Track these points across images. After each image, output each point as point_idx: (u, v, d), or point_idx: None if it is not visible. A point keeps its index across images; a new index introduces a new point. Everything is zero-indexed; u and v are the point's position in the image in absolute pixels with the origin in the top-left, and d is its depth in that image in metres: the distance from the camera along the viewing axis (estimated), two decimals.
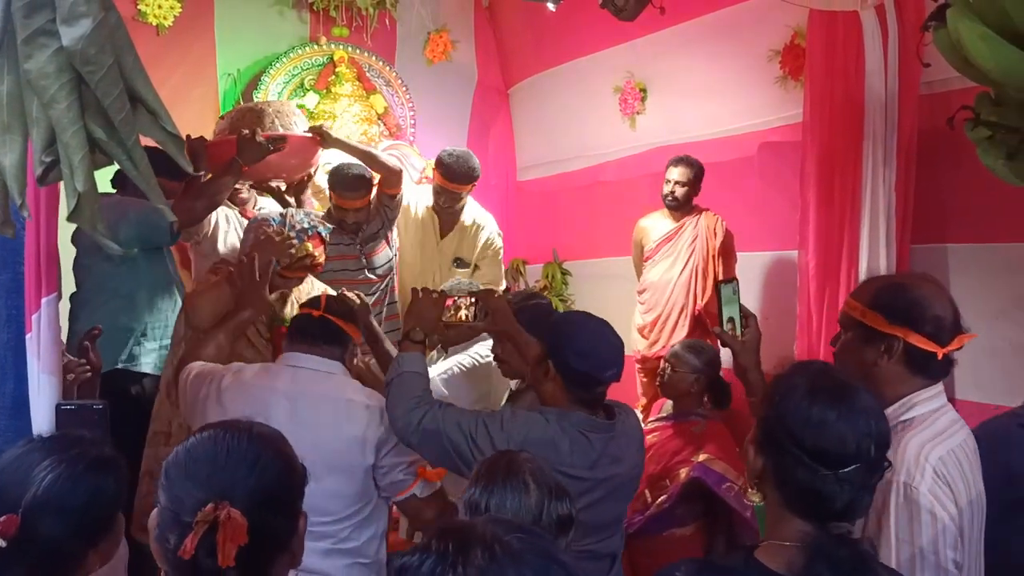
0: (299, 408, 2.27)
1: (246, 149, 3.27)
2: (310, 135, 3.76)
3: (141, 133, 1.06)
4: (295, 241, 2.93)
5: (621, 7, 3.84)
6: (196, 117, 4.91)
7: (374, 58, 5.36)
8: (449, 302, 2.54)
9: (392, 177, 4.00)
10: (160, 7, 4.71)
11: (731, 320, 2.06)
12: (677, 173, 4.40)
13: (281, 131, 3.58)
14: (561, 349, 2.07)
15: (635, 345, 4.64)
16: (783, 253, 4.54)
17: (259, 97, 4.97)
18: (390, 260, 4.20)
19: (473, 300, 2.56)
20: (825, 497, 1.27)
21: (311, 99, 5.06)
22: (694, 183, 4.41)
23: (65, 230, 2.25)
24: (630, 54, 5.17)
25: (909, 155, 3.83)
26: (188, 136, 3.24)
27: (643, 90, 5.24)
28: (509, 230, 6.38)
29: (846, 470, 1.26)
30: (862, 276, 3.85)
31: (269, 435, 1.33)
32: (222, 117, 3.70)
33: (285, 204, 4.03)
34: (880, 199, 3.82)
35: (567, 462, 1.99)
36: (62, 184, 1.08)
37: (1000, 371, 3.35)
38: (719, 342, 2.22)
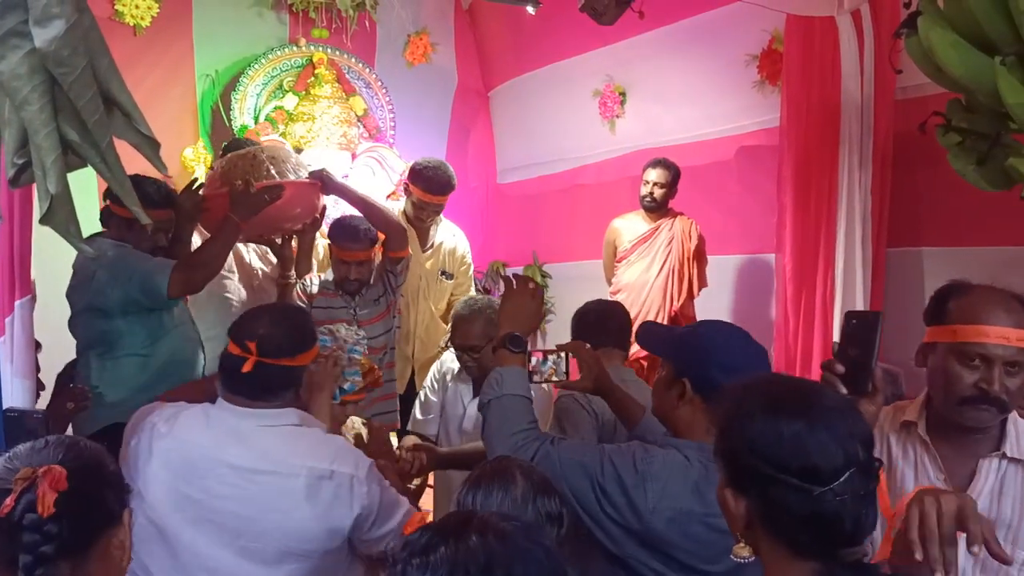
0: (247, 482, 1.80)
1: (240, 203, 2.94)
2: (310, 180, 3.37)
3: (116, 135, 1.05)
4: (352, 356, 2.42)
5: (601, 11, 3.85)
6: (174, 118, 4.89)
7: (354, 60, 5.35)
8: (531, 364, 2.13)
9: (397, 237, 3.52)
10: (137, 7, 4.67)
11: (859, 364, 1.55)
12: (655, 175, 4.42)
13: (277, 179, 3.19)
14: (700, 364, 1.71)
15: None
16: (760, 256, 4.57)
17: (237, 99, 4.94)
18: (389, 331, 3.68)
19: (562, 355, 2.17)
20: (830, 520, 1.09)
21: (290, 101, 5.04)
22: (671, 185, 4.43)
23: (38, 232, 2.23)
24: (610, 58, 5.19)
25: (885, 159, 3.87)
26: (184, 190, 3.12)
27: (622, 94, 5.26)
28: (489, 233, 6.39)
29: (841, 480, 1.09)
30: (838, 279, 3.89)
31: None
32: (211, 168, 3.32)
33: (284, 261, 3.62)
34: (856, 202, 3.87)
35: (716, 511, 1.54)
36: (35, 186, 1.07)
37: None
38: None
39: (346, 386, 2.34)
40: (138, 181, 2.66)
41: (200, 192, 3.14)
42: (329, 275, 3.64)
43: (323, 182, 3.38)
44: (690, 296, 4.50)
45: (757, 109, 4.50)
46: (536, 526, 1.02)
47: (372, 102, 5.38)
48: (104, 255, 2.68)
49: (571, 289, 5.65)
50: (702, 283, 4.53)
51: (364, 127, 5.27)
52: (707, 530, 1.62)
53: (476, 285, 5.89)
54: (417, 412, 3.53)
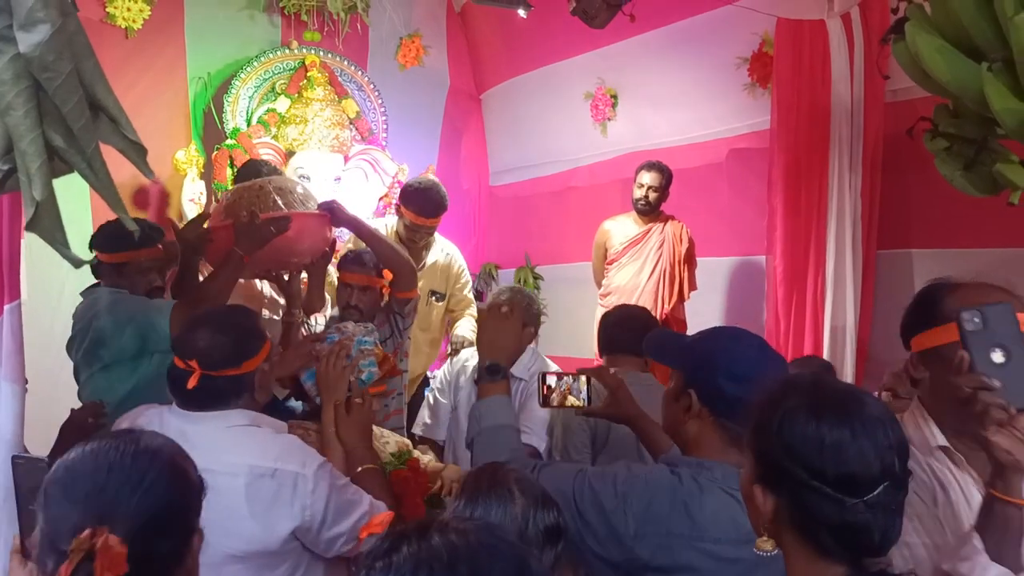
0: None
1: (244, 236, 2.76)
2: (318, 212, 3.19)
3: (102, 141, 1.05)
4: (363, 348, 2.32)
5: (592, 15, 3.87)
6: (166, 121, 4.88)
7: (346, 63, 5.35)
8: (546, 386, 2.07)
9: (406, 276, 3.28)
10: (129, 10, 4.67)
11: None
12: (650, 178, 4.43)
13: (284, 210, 3.03)
14: (707, 374, 1.57)
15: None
16: (750, 258, 4.59)
17: (229, 101, 4.94)
18: (400, 376, 3.46)
19: (583, 379, 2.07)
20: (860, 530, 1.08)
21: (282, 103, 5.04)
22: (665, 188, 4.45)
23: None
24: (601, 61, 5.21)
25: (875, 162, 3.90)
26: (186, 224, 3.00)
27: (614, 96, 5.28)
28: (481, 235, 6.40)
29: (875, 493, 1.07)
30: (829, 281, 3.91)
31: (160, 447, 1.20)
32: (218, 200, 3.21)
33: (291, 298, 3.44)
34: (846, 205, 3.89)
35: (709, 534, 1.50)
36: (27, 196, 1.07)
37: None
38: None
39: (363, 376, 2.25)
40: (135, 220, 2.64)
41: (203, 224, 3.02)
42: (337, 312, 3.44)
43: (332, 213, 3.19)
44: (680, 299, 4.51)
45: (747, 112, 4.52)
46: (497, 525, 1.03)
47: (364, 105, 5.38)
48: (100, 304, 2.62)
49: (563, 291, 5.67)
50: (692, 286, 4.54)
51: (356, 130, 5.26)
52: (701, 556, 1.50)
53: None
54: (426, 416, 3.45)
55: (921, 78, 2.29)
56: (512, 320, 1.99)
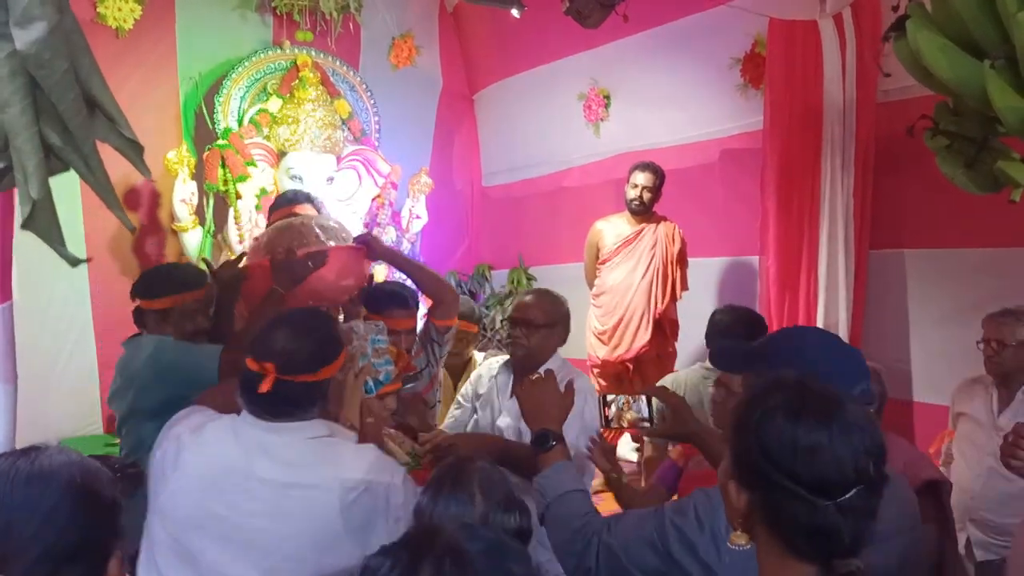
0: (279, 497, 1.68)
1: (282, 273, 2.69)
2: (354, 246, 3.09)
3: (98, 139, 1.04)
4: (377, 347, 2.28)
5: (586, 15, 3.87)
6: (157, 121, 4.85)
7: (338, 63, 5.34)
8: (610, 408, 2.05)
9: (449, 304, 3.11)
10: (120, 10, 4.65)
11: None
12: (643, 178, 4.43)
13: (322, 246, 2.95)
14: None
15: (592, 351, 4.67)
16: (743, 258, 4.60)
17: (221, 101, 4.91)
18: (432, 407, 3.32)
19: (643, 398, 2.04)
20: (831, 532, 1.09)
21: (274, 103, 5.02)
22: (658, 188, 4.45)
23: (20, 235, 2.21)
24: (594, 61, 5.21)
25: (867, 162, 3.91)
26: (222, 264, 2.92)
27: (607, 97, 5.28)
28: (474, 236, 6.40)
29: (847, 496, 1.08)
30: (821, 281, 3.92)
31: (59, 467, 1.09)
32: (255, 239, 3.11)
33: None
34: (839, 205, 3.90)
35: None
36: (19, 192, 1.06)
37: (953, 372, 3.42)
38: None
39: (381, 377, 2.21)
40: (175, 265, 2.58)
41: (240, 263, 2.96)
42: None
43: (368, 247, 3.07)
44: (673, 299, 4.52)
45: (740, 112, 4.53)
46: (504, 544, 1.02)
47: (357, 105, 5.37)
48: (145, 353, 2.53)
49: (558, 291, 5.66)
50: (684, 286, 4.55)
51: (349, 130, 5.26)
52: None
53: (461, 289, 5.90)
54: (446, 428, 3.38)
55: (922, 76, 2.29)
56: (547, 381, 1.93)
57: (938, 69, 2.07)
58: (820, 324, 3.89)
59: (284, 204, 3.55)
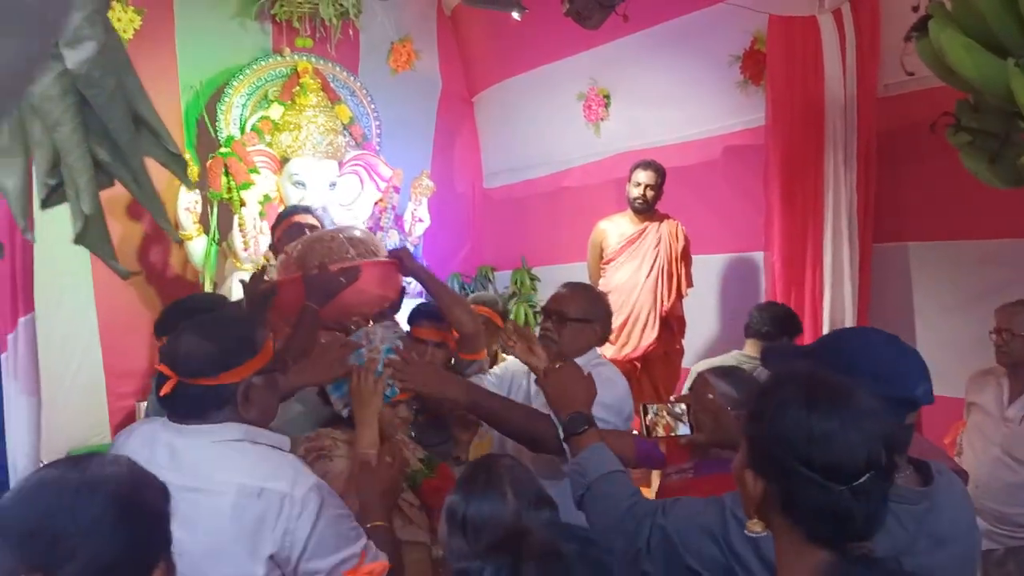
0: (178, 501, 1.46)
1: (315, 288, 2.65)
2: (387, 260, 3.01)
3: (144, 154, 1.06)
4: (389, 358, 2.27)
5: (586, 16, 3.89)
6: None
7: (338, 68, 5.35)
8: (649, 417, 2.02)
9: (472, 336, 2.96)
10: (119, 20, 4.65)
11: None
12: (646, 176, 4.45)
13: (356, 260, 2.90)
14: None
15: (599, 350, 4.67)
16: (747, 254, 4.63)
17: (223, 109, 4.93)
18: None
19: (682, 409, 2.01)
20: (844, 516, 1.12)
21: (276, 110, 5.03)
22: (660, 186, 4.48)
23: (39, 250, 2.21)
24: (594, 61, 5.23)
25: (869, 156, 3.94)
26: (251, 279, 2.85)
27: (607, 96, 5.31)
28: (476, 237, 6.42)
29: (860, 481, 1.12)
30: (827, 275, 3.95)
31: (106, 478, 1.09)
32: (286, 252, 3.07)
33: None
34: (842, 199, 3.93)
35: None
36: (36, 204, 1.07)
37: (960, 364, 3.45)
38: None
39: (389, 392, 2.19)
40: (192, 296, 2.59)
41: (263, 276, 2.92)
42: None
43: (401, 261, 2.99)
44: (679, 296, 4.54)
45: (741, 109, 4.56)
46: (592, 540, 1.04)
47: (357, 110, 5.38)
48: None
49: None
50: (689, 283, 4.58)
51: (350, 135, 5.27)
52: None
53: (464, 291, 5.92)
54: None
55: (945, 74, 2.33)
56: (570, 367, 1.92)
57: (962, 67, 2.11)
58: (826, 318, 3.92)
59: (285, 216, 3.58)
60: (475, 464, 1.70)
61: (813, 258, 3.99)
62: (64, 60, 0.89)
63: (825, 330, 3.90)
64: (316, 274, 2.65)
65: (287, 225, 3.51)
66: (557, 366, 1.96)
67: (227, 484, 1.63)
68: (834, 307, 3.92)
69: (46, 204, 1.03)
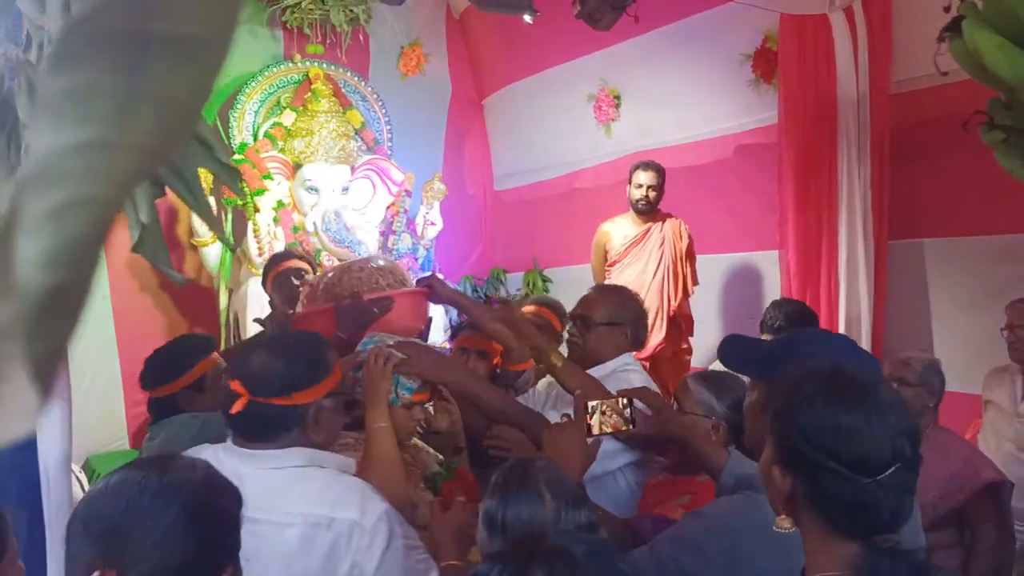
0: (246, 534, 1.45)
1: (347, 319, 2.53)
2: (418, 289, 2.93)
3: (196, 165, 1.07)
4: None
5: (597, 18, 3.90)
6: None
7: (349, 73, 5.37)
8: (595, 416, 1.95)
9: (516, 346, 2.85)
10: None
11: None
12: (647, 177, 4.46)
13: (387, 290, 2.81)
14: None
15: None
16: (761, 253, 4.62)
17: (235, 117, 4.95)
18: None
19: (624, 403, 1.96)
20: (871, 508, 1.15)
21: (288, 117, 5.05)
22: (661, 186, 4.49)
23: None
24: (603, 62, 5.24)
25: (883, 153, 3.94)
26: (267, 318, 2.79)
27: (617, 97, 5.31)
28: (488, 239, 6.42)
29: (887, 474, 1.14)
30: (842, 273, 3.95)
31: (184, 481, 1.13)
32: (310, 284, 2.99)
33: None
34: (856, 197, 3.93)
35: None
36: None
37: (977, 361, 3.46)
38: None
39: (411, 384, 2.19)
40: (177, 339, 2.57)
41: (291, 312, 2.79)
42: None
43: (431, 290, 2.89)
44: (685, 295, 4.55)
45: (753, 108, 4.56)
46: (606, 545, 1.05)
47: (368, 115, 5.39)
48: (186, 437, 2.31)
49: (573, 293, 5.64)
50: (695, 281, 4.58)
51: (362, 140, 5.29)
52: None
53: (477, 293, 5.93)
54: None
55: (979, 73, 2.34)
56: (575, 429, 1.89)
57: (996, 66, 2.11)
58: (842, 316, 3.92)
59: (276, 263, 3.52)
60: (508, 468, 1.67)
61: (828, 256, 3.99)
62: None
63: (841, 328, 3.90)
64: (349, 304, 2.54)
65: (279, 270, 3.44)
66: (563, 422, 1.90)
67: (293, 514, 1.59)
68: (850, 305, 3.92)
69: None
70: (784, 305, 3.53)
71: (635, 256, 4.57)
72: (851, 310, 3.93)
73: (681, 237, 4.50)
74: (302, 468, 1.66)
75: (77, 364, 4.67)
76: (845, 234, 3.93)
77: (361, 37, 5.48)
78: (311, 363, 1.74)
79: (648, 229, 4.54)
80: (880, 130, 3.92)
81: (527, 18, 4.23)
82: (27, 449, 2.00)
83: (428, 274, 3.07)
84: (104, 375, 4.68)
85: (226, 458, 1.65)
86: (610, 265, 4.66)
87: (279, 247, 4.66)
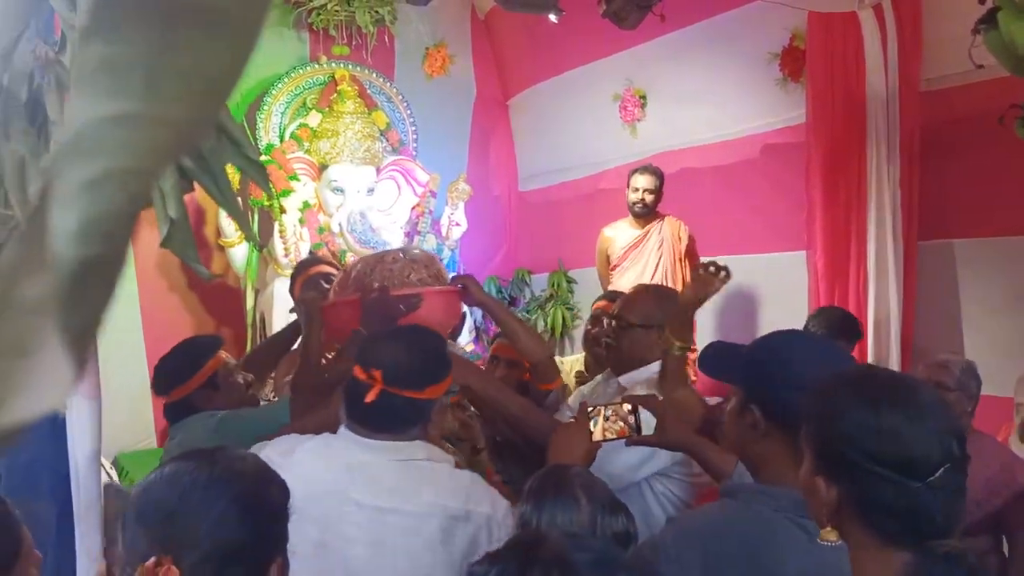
0: (376, 523, 1.60)
1: (372, 314, 2.44)
2: (451, 288, 2.78)
3: (225, 161, 1.08)
4: None
5: (623, 17, 3.89)
6: None
7: (374, 75, 5.39)
8: (597, 423, 1.91)
9: (543, 366, 2.75)
10: None
11: None
12: (645, 181, 4.53)
13: (418, 285, 2.70)
14: (770, 385, 1.46)
15: None
16: (789, 254, 4.58)
17: (262, 118, 4.98)
18: None
19: (629, 409, 1.92)
20: (923, 513, 1.10)
21: (314, 118, 5.09)
22: (659, 190, 4.54)
23: None
24: (629, 61, 5.22)
25: (912, 152, 3.89)
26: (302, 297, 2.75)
27: (643, 97, 5.29)
28: (513, 240, 6.42)
29: (936, 476, 1.09)
30: (871, 274, 3.90)
31: (238, 473, 1.16)
32: (345, 269, 2.91)
33: None
34: (886, 196, 3.88)
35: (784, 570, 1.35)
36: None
37: (1010, 364, 3.40)
38: None
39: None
40: (183, 342, 2.59)
41: (319, 294, 2.77)
42: None
43: (466, 290, 2.75)
44: None
45: (780, 107, 4.52)
46: (612, 556, 1.03)
47: (394, 116, 5.42)
48: (204, 435, 2.29)
49: (597, 294, 5.67)
50: None
51: (387, 141, 5.31)
52: None
53: (501, 294, 5.93)
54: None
55: (1014, 65, 2.30)
56: (580, 429, 1.88)
57: None
58: (871, 317, 3.88)
59: (303, 269, 3.46)
60: (543, 474, 1.65)
61: (857, 256, 3.94)
62: None
63: (870, 330, 3.85)
64: (375, 298, 2.47)
65: (307, 276, 3.39)
66: (571, 421, 1.90)
67: (434, 506, 1.61)
68: (879, 306, 3.87)
69: None
70: (825, 312, 3.50)
71: (634, 260, 4.63)
72: (880, 311, 3.88)
73: (680, 238, 4.55)
74: (428, 462, 1.68)
75: (106, 364, 4.71)
76: (874, 234, 3.88)
77: (386, 38, 5.51)
78: (441, 358, 1.78)
79: (646, 232, 4.59)
80: (910, 128, 3.87)
81: (552, 17, 4.23)
82: (59, 445, 2.04)
83: (465, 274, 2.94)
84: (132, 374, 4.73)
85: (342, 449, 1.68)
86: (612, 269, 4.72)
87: (305, 248, 4.69)
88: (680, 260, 4.53)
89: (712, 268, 2.26)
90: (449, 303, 2.78)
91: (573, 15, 4.23)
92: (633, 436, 1.88)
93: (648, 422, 1.93)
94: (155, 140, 0.31)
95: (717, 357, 1.67)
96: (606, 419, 1.90)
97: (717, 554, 1.40)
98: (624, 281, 4.58)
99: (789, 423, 1.36)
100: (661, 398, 1.98)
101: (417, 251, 2.98)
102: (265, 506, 1.16)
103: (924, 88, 3.88)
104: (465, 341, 4.57)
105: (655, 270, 4.53)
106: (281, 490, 1.19)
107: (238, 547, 1.10)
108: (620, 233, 4.70)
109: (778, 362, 1.47)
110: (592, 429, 1.88)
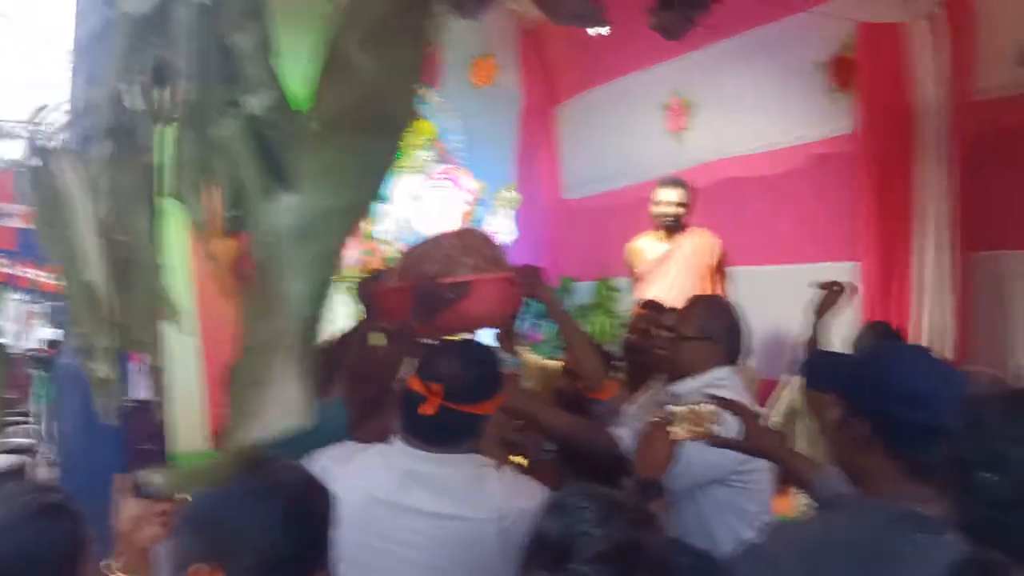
0: (435, 528, 1.63)
1: (420, 302, 2.39)
2: (504, 276, 2.59)
3: None
4: None
5: (670, 27, 3.91)
6: None
7: (422, 85, 5.46)
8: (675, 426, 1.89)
9: (590, 373, 2.63)
10: None
11: None
12: (669, 195, 4.48)
13: (472, 272, 2.53)
14: (877, 398, 1.41)
15: None
16: (835, 264, 4.54)
17: None
18: None
19: (711, 410, 1.89)
20: None
21: None
22: (687, 203, 4.48)
23: None
24: (676, 70, 5.23)
25: (964, 162, 3.85)
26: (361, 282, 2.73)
27: (689, 106, 5.30)
28: (556, 248, 6.45)
29: None
30: (923, 285, 3.87)
31: (287, 484, 1.19)
32: (403, 253, 2.81)
33: None
34: (936, 207, 3.85)
35: None
36: None
37: None
38: None
39: None
40: None
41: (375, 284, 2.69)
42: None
43: (530, 283, 2.59)
44: None
45: (828, 117, 4.49)
46: (711, 559, 1.05)
47: (440, 125, 5.50)
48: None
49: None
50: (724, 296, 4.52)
51: (435, 149, 5.39)
52: None
53: None
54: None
55: None
56: (657, 428, 1.87)
57: None
58: (924, 329, 3.84)
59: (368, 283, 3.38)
60: (563, 489, 1.64)
61: (908, 267, 3.91)
62: (241, 107, 0.99)
63: (923, 342, 3.81)
64: (422, 285, 2.42)
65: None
66: (658, 420, 1.92)
67: (489, 509, 1.64)
68: (933, 319, 3.84)
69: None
70: (874, 328, 3.49)
71: (659, 274, 4.58)
72: (934, 324, 3.84)
73: (710, 253, 4.48)
74: (483, 468, 1.72)
75: (165, 368, 4.83)
76: (927, 245, 3.85)
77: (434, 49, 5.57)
78: (496, 374, 1.81)
79: (673, 246, 4.55)
80: (961, 139, 3.83)
81: (601, 31, 4.27)
82: (91, 437, 2.14)
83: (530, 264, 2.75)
84: (188, 378, 4.84)
85: (399, 459, 1.71)
86: (639, 282, 4.69)
87: (352, 255, 4.78)
88: (711, 274, 4.47)
89: (836, 287, 2.28)
90: (502, 292, 2.62)
91: (619, 25, 4.26)
92: (719, 437, 1.85)
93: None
94: (350, 224, 0.36)
95: (822, 366, 1.66)
96: (685, 420, 1.89)
97: (820, 565, 1.35)
98: (652, 294, 4.56)
99: (896, 437, 1.37)
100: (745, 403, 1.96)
101: (475, 232, 2.96)
102: (312, 516, 1.20)
103: (978, 97, 3.84)
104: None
105: (681, 284, 4.45)
106: (327, 500, 1.23)
107: (286, 556, 1.14)
108: (648, 246, 4.68)
109: (892, 374, 1.43)
110: (673, 429, 1.88)
